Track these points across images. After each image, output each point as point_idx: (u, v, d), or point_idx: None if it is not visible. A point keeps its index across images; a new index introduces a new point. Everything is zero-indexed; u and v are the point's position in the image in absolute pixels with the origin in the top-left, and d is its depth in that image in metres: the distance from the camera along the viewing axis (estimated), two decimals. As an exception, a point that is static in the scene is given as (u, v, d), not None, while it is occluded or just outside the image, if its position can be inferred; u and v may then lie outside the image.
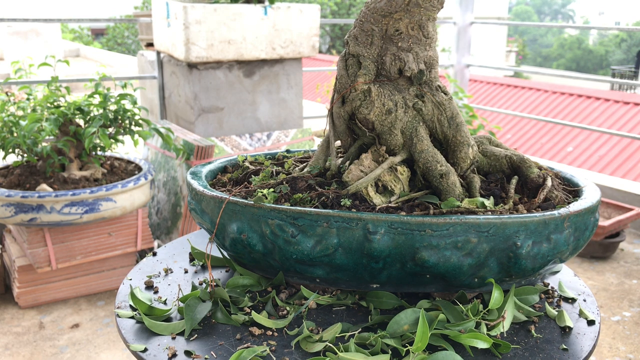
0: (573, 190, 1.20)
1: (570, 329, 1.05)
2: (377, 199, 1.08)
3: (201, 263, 1.29)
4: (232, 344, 0.98)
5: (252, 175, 1.25)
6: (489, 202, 1.07)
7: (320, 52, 15.22)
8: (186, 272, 1.26)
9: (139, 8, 14.57)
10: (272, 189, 1.11)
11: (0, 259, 2.75)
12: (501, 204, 1.08)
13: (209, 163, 1.35)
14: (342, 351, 0.93)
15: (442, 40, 13.75)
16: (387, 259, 1.00)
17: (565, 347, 0.99)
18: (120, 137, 2.66)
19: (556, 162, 6.69)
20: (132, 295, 1.08)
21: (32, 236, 2.54)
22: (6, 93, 2.66)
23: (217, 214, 1.09)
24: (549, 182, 1.14)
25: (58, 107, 2.56)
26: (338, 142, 1.24)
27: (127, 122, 2.61)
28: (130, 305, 1.10)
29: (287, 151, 1.45)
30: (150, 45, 3.80)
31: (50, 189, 2.46)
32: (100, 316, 2.56)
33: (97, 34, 20.03)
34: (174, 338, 1.00)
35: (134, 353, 0.97)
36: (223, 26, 3.00)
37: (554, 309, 1.11)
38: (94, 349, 2.33)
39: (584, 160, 7.02)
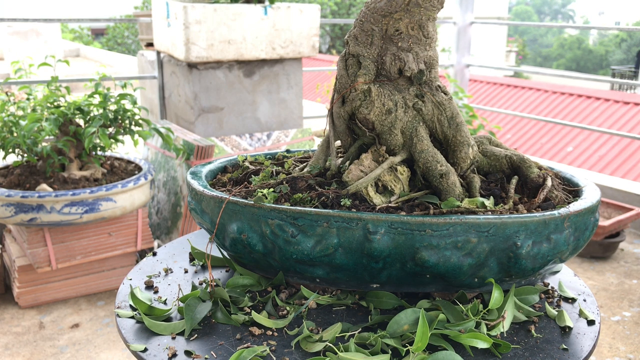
0: (573, 190, 1.20)
1: (570, 329, 1.05)
2: (377, 199, 1.08)
3: (201, 263, 1.29)
4: (232, 343, 0.98)
5: (252, 175, 1.25)
6: (489, 202, 1.07)
7: (320, 52, 15.22)
8: (186, 272, 1.26)
9: (139, 8, 14.56)
10: (272, 189, 1.11)
11: (0, 259, 2.75)
12: (501, 204, 1.08)
13: (209, 163, 1.35)
14: (342, 351, 0.93)
15: (442, 40, 13.75)
16: (387, 259, 1.00)
17: (565, 347, 0.99)
18: (120, 137, 2.66)
19: (556, 162, 6.69)
20: (132, 295, 1.08)
21: (32, 236, 2.54)
22: (6, 93, 2.66)
23: (217, 214, 1.09)
24: (549, 182, 1.14)
25: (58, 107, 2.56)
26: (338, 142, 1.24)
27: (127, 122, 2.61)
28: (130, 305, 1.10)
29: (287, 151, 1.45)
30: (150, 45, 3.79)
31: (50, 189, 2.46)
32: (100, 316, 2.56)
33: (97, 34, 20.02)
34: (174, 338, 1.00)
35: (134, 353, 0.97)
36: (223, 26, 3.00)
37: (554, 309, 1.11)
38: (94, 349, 2.33)
39: (584, 160, 7.02)
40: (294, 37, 3.20)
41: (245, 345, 0.97)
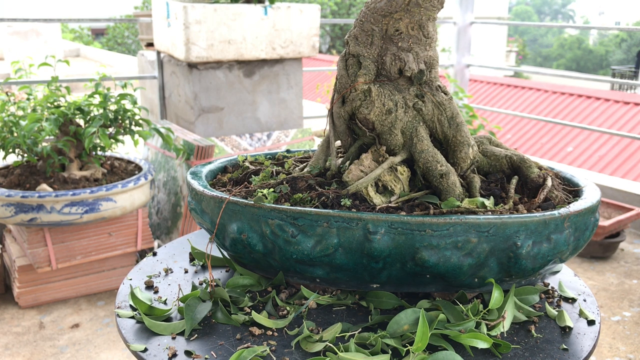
0: (573, 190, 1.20)
1: (570, 329, 1.05)
2: (377, 199, 1.08)
3: (201, 263, 1.29)
4: (232, 344, 0.98)
5: (252, 175, 1.25)
6: (489, 202, 1.07)
7: (320, 52, 15.21)
8: (186, 272, 1.26)
9: (139, 8, 14.56)
10: (272, 189, 1.11)
11: (0, 259, 2.75)
12: (501, 204, 1.08)
13: (209, 163, 1.35)
14: (342, 351, 0.93)
15: (442, 40, 13.75)
16: (387, 259, 1.00)
17: (565, 347, 0.99)
18: (120, 137, 2.66)
19: (556, 162, 6.69)
20: (132, 295, 1.08)
21: (32, 236, 2.54)
22: (6, 93, 2.66)
23: (217, 214, 1.09)
24: (549, 182, 1.14)
25: (58, 107, 2.56)
26: (338, 142, 1.24)
27: (127, 122, 2.61)
28: (131, 305, 1.10)
29: (287, 151, 1.45)
30: (150, 45, 3.80)
31: (50, 189, 2.46)
32: (100, 316, 2.56)
33: (97, 34, 20.02)
34: (174, 338, 1.00)
35: (134, 353, 0.97)
36: (223, 26, 3.00)
37: (554, 309, 1.11)
38: (94, 349, 2.33)
39: (584, 160, 7.02)
40: (294, 37, 3.20)
41: (245, 346, 0.97)
